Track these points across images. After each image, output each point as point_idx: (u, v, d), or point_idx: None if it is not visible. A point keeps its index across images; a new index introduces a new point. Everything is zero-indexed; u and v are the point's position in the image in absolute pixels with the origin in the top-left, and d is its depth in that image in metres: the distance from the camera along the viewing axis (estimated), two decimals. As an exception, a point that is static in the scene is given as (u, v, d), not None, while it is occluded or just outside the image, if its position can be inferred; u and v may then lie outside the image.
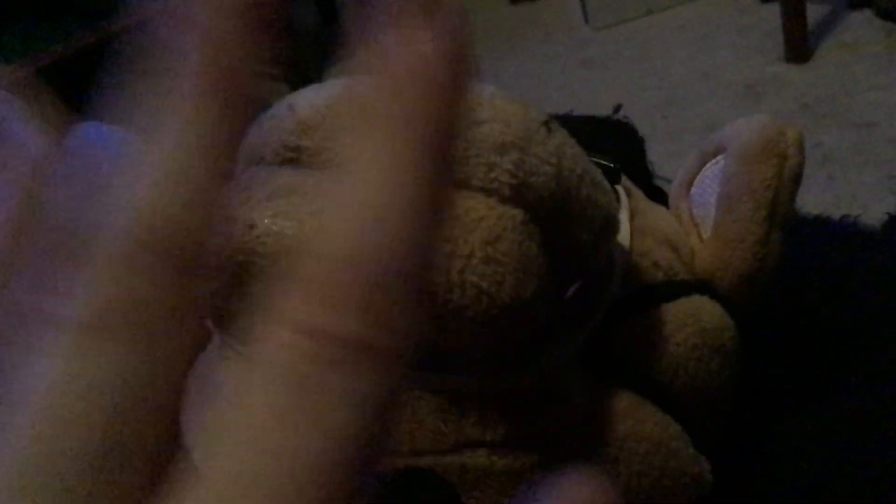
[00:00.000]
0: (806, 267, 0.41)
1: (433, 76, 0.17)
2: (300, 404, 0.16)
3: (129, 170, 0.17)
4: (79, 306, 0.16)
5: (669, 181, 0.36)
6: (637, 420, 0.29)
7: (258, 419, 0.16)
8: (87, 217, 0.17)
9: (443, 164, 0.18)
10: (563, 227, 0.25)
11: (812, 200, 1.49)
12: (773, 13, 1.91)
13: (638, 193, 0.34)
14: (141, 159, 0.17)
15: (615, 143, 0.44)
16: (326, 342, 0.16)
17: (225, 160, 0.17)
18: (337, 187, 0.18)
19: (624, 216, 0.31)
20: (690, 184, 0.34)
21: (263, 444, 0.16)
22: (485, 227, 0.23)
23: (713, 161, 0.33)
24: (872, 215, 0.45)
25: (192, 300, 0.17)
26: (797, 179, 0.31)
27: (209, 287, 0.21)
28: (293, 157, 0.25)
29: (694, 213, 0.34)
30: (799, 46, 1.84)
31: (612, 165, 0.31)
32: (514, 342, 0.24)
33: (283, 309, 0.17)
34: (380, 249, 0.17)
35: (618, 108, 0.45)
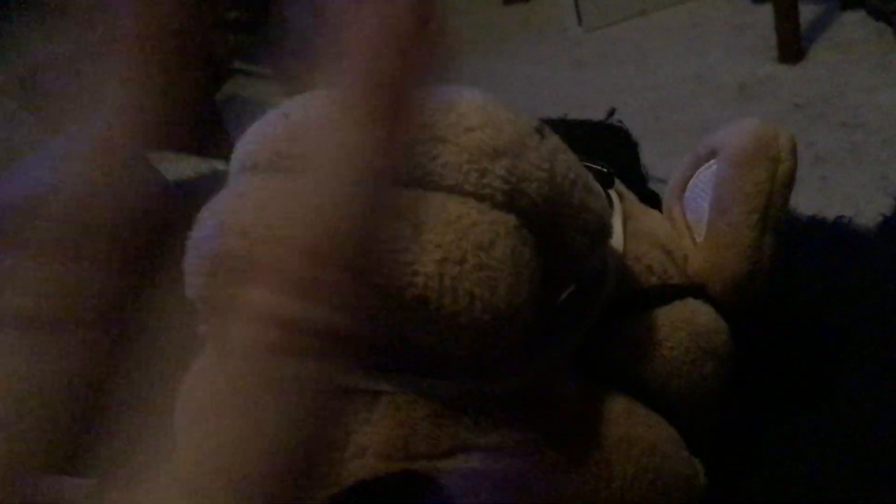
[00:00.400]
0: (800, 268, 0.41)
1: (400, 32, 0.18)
2: (259, 390, 0.17)
3: (51, 149, 0.17)
4: (27, 300, 0.16)
5: (664, 181, 0.37)
6: (631, 423, 0.29)
7: (221, 405, 0.17)
8: (6, 201, 0.17)
9: (394, 158, 0.19)
10: (557, 232, 0.25)
11: (805, 201, 1.49)
12: (766, 14, 1.92)
13: (631, 198, 0.34)
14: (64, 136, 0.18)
15: (609, 148, 0.44)
16: (282, 328, 0.17)
17: (160, 126, 0.18)
18: (294, 183, 0.19)
19: (617, 220, 0.31)
20: (684, 187, 0.34)
21: (226, 429, 0.16)
22: (478, 233, 0.23)
23: (706, 165, 0.33)
24: (865, 216, 0.45)
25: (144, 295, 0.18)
26: (790, 183, 0.31)
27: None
28: (287, 165, 0.26)
29: (687, 217, 0.34)
30: (792, 47, 1.85)
31: (605, 170, 0.31)
32: (507, 347, 0.24)
33: (243, 298, 0.17)
34: (327, 238, 0.18)
35: (611, 113, 0.46)
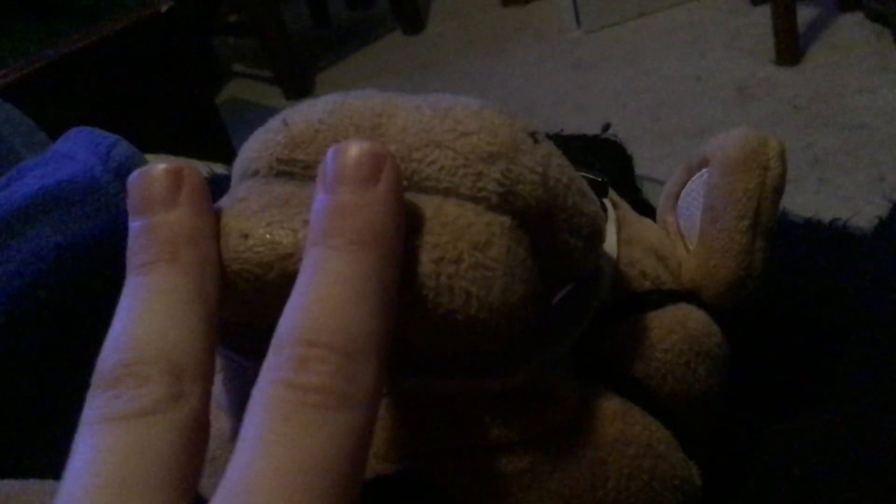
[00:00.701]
0: (796, 271, 0.42)
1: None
2: (296, 442, 0.19)
3: None
4: None
5: (661, 183, 0.37)
6: (626, 423, 0.29)
7: (265, 453, 0.19)
8: None
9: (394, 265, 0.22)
10: (551, 233, 0.26)
11: (802, 202, 1.50)
12: (764, 15, 1.92)
13: (625, 206, 0.35)
14: None
15: (603, 160, 0.45)
16: (307, 392, 0.20)
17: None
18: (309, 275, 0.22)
19: (611, 227, 0.32)
20: (677, 196, 0.35)
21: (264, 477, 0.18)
22: (473, 233, 0.24)
23: (698, 174, 0.34)
24: (863, 217, 0.46)
25: None
26: (779, 189, 0.32)
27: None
28: (287, 171, 0.26)
29: (680, 225, 0.35)
30: (790, 49, 1.85)
31: (599, 179, 0.32)
32: (504, 345, 0.25)
33: (267, 368, 0.20)
34: (346, 331, 0.20)
35: (606, 127, 0.46)
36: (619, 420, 0.29)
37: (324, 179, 0.23)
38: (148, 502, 0.18)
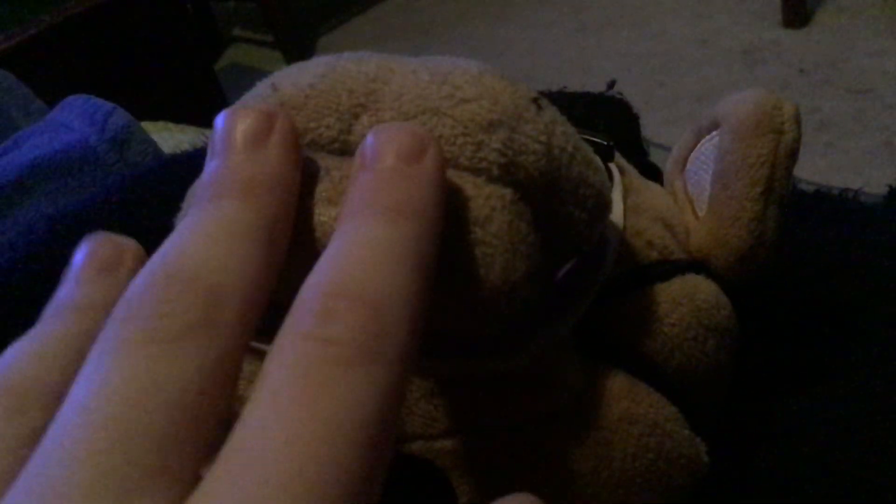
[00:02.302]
0: (805, 242, 0.41)
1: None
2: (313, 402, 0.16)
3: None
4: None
5: (667, 149, 0.36)
6: (632, 401, 0.28)
7: (277, 415, 0.16)
8: None
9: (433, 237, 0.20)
10: (555, 206, 0.24)
11: (810, 167, 1.49)
12: (771, -23, 1.90)
13: (632, 171, 0.33)
14: None
15: (608, 120, 0.43)
16: (329, 346, 0.17)
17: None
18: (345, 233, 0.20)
19: (617, 194, 0.30)
20: (685, 160, 0.34)
21: (281, 438, 0.16)
22: (473, 208, 0.22)
23: (708, 137, 0.32)
24: (871, 182, 0.45)
25: None
26: (794, 155, 0.30)
27: None
28: None
29: (689, 191, 0.33)
30: (797, 11, 1.83)
31: (605, 143, 0.31)
32: (505, 324, 0.24)
33: (287, 323, 0.18)
34: (376, 289, 0.18)
35: (611, 84, 0.45)
36: (625, 398, 0.28)
37: (364, 158, 0.21)
38: (153, 447, 0.16)
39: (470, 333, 0.25)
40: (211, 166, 0.21)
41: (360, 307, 0.18)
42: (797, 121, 0.31)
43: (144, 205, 0.44)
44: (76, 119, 0.60)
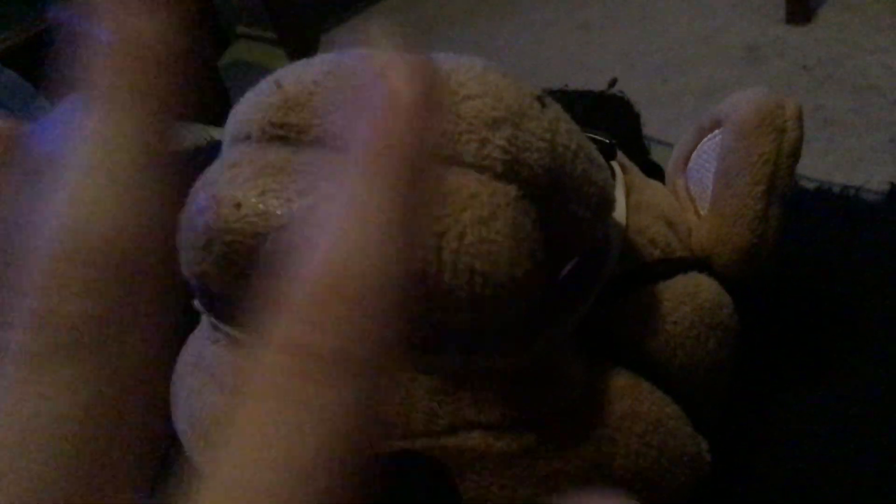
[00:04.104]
0: (807, 240, 0.41)
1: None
2: (291, 415, 0.16)
3: (59, 178, 0.16)
4: (25, 334, 0.16)
5: (670, 146, 0.36)
6: (635, 399, 0.28)
7: (254, 431, 0.16)
8: (21, 235, 0.16)
9: (420, 181, 0.18)
10: (558, 203, 0.25)
11: (812, 164, 1.48)
12: (775, -26, 1.89)
13: (634, 169, 0.33)
14: (72, 165, 0.17)
15: (610, 119, 0.43)
16: (311, 358, 0.17)
17: (157, 154, 0.17)
18: (313, 212, 0.18)
19: (620, 192, 0.31)
20: (687, 159, 0.34)
21: (260, 453, 0.16)
22: (477, 205, 0.22)
23: (710, 135, 0.32)
24: (874, 180, 0.45)
25: (147, 306, 0.17)
26: (796, 154, 0.31)
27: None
28: (280, 135, 0.25)
29: (691, 189, 0.33)
30: (800, 7, 1.82)
31: (607, 141, 0.31)
32: (509, 321, 0.24)
33: (271, 327, 0.17)
34: (358, 269, 0.17)
35: (613, 83, 0.45)
36: (628, 396, 0.28)
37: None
38: None
39: (474, 330, 0.25)
40: None
41: (340, 306, 0.17)
42: (800, 119, 0.31)
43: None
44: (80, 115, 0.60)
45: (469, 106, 0.23)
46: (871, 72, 1.67)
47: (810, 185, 0.45)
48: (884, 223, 0.41)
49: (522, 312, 0.24)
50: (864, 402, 0.33)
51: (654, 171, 0.36)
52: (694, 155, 0.34)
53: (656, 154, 0.45)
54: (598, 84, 0.47)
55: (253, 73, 2.36)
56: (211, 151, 0.46)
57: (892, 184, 0.44)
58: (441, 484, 0.27)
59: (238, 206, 0.23)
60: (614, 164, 0.32)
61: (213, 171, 0.25)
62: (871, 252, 0.39)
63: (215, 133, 0.56)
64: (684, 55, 1.87)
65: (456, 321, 0.24)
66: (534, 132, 0.24)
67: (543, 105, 0.25)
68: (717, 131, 0.32)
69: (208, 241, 0.24)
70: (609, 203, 0.26)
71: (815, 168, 1.45)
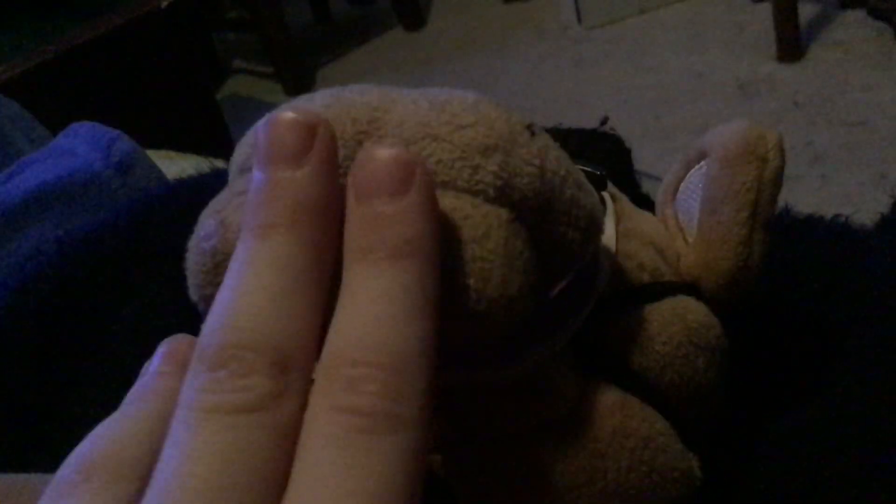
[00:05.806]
0: (797, 267, 0.41)
1: None
2: (345, 468, 0.19)
3: None
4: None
5: (661, 180, 0.37)
6: (625, 416, 0.29)
7: (320, 483, 0.19)
8: None
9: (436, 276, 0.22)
10: (548, 225, 0.26)
11: (804, 199, 1.50)
12: (766, 12, 1.92)
13: (624, 199, 0.35)
14: None
15: (602, 154, 0.45)
16: (356, 416, 0.19)
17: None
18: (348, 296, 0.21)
19: (609, 221, 0.32)
20: (676, 189, 0.35)
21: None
22: (471, 225, 0.24)
23: (697, 167, 0.34)
24: (864, 214, 0.46)
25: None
26: (778, 182, 0.32)
27: None
28: None
29: (679, 218, 0.35)
30: (791, 45, 1.85)
31: (597, 172, 0.32)
32: (501, 337, 0.25)
33: (317, 391, 0.20)
34: (392, 348, 0.20)
35: (604, 121, 0.46)
36: (618, 412, 0.29)
37: (354, 189, 0.22)
38: None
39: (467, 345, 0.26)
40: (256, 179, 0.23)
41: (380, 373, 0.20)
42: (781, 149, 0.32)
43: (153, 228, 0.45)
44: (81, 144, 0.61)
45: (462, 134, 0.25)
46: (860, 108, 1.70)
47: (800, 215, 0.46)
48: (874, 252, 0.42)
49: (515, 327, 0.25)
50: (851, 423, 0.34)
51: (645, 203, 0.37)
52: (682, 186, 0.35)
53: (648, 188, 0.46)
54: (591, 119, 0.48)
55: (250, 106, 2.39)
56: (214, 178, 0.48)
57: (882, 214, 0.45)
58: (439, 495, 0.28)
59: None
60: (605, 194, 0.33)
61: (221, 199, 0.26)
62: (862, 280, 0.40)
63: (217, 162, 0.57)
64: (677, 91, 1.90)
65: (451, 336, 0.25)
66: (524, 158, 0.25)
67: (533, 133, 0.26)
68: (702, 163, 0.33)
69: (216, 265, 0.25)
70: (597, 225, 0.28)
71: (806, 203, 1.47)
